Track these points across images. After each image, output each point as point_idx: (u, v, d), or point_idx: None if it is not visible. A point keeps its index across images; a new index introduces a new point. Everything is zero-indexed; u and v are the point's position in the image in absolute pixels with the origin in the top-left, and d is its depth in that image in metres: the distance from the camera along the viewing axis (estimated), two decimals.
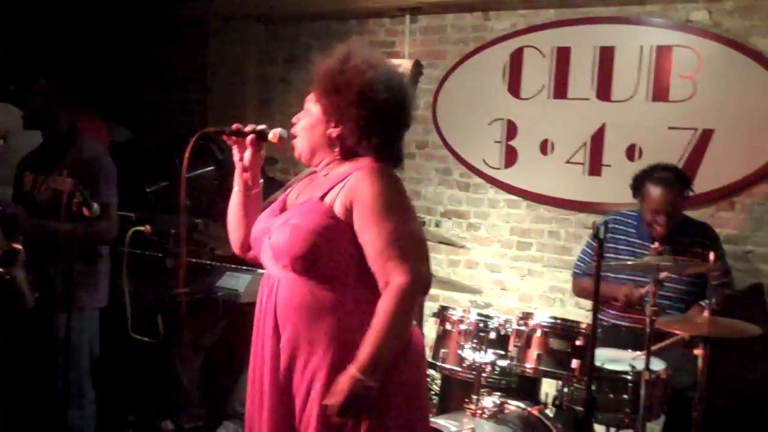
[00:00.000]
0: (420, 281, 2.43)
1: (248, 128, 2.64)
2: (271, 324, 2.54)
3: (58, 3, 6.86)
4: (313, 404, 2.47)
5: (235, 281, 4.60)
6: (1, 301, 4.03)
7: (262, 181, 2.77)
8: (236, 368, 4.79)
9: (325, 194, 2.49)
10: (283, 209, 2.64)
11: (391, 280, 2.39)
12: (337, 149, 2.56)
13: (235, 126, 2.65)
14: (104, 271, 4.31)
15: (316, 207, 2.47)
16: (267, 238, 2.55)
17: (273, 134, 2.62)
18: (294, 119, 2.65)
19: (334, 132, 2.54)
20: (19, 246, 3.86)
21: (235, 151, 2.69)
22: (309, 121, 2.59)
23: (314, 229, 2.42)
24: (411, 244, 2.44)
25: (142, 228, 4.49)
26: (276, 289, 2.53)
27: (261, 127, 2.65)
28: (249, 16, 6.62)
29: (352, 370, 2.36)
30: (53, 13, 6.85)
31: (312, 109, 2.59)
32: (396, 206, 2.45)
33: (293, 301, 2.49)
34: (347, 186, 2.45)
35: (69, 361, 3.88)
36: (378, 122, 2.49)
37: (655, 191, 4.27)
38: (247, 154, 2.66)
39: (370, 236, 2.41)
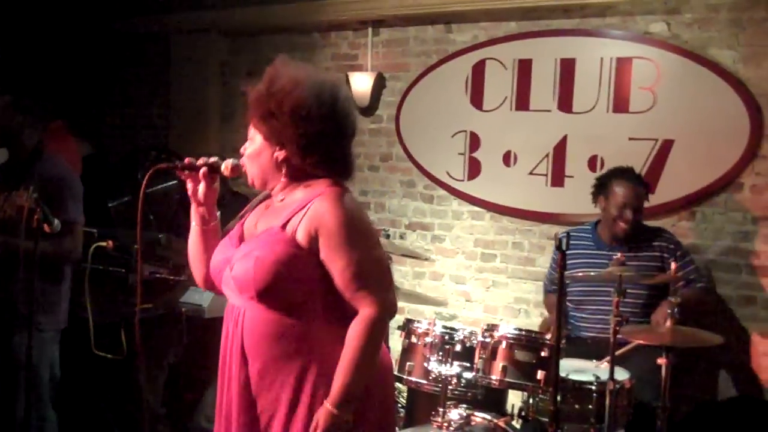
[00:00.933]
0: (387, 309, 2.47)
1: (200, 161, 2.60)
2: (238, 354, 2.51)
3: (19, 20, 6.78)
4: (279, 421, 2.47)
5: (199, 296, 4.58)
6: None
7: (219, 213, 2.74)
8: (201, 384, 4.76)
9: (286, 222, 2.47)
10: (241, 238, 2.61)
11: (360, 310, 2.43)
12: (285, 171, 2.53)
13: (187, 160, 2.61)
14: (66, 292, 4.23)
15: (277, 236, 2.45)
16: (228, 270, 2.53)
17: (225, 166, 2.59)
18: (241, 150, 2.62)
19: (279, 155, 2.51)
20: None
21: (189, 185, 2.64)
22: (254, 149, 2.56)
23: (277, 259, 2.41)
24: (376, 274, 2.47)
25: (104, 243, 4.44)
26: (242, 320, 2.51)
27: (213, 159, 2.61)
28: (210, 29, 6.60)
29: (327, 406, 2.39)
30: (14, 30, 6.78)
31: (254, 136, 2.57)
32: (360, 235, 2.45)
33: (259, 330, 2.47)
34: (309, 214, 2.44)
35: (28, 383, 3.81)
36: (317, 137, 2.46)
37: (620, 187, 4.41)
38: (201, 188, 2.63)
39: (338, 267, 2.42)
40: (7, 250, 3.84)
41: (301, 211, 2.46)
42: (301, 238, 2.43)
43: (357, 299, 2.44)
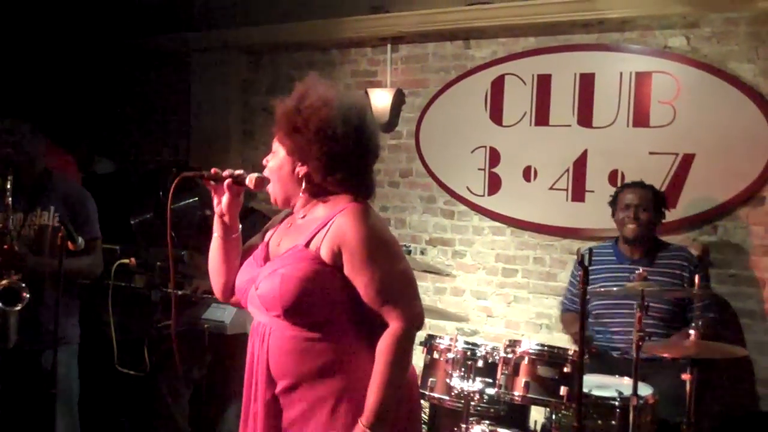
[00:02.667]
0: (414, 321, 2.50)
1: (226, 173, 2.61)
2: (264, 372, 2.53)
3: (40, 39, 6.86)
4: None
5: (221, 313, 4.59)
6: None
7: (240, 226, 2.76)
8: (223, 400, 4.77)
9: (310, 240, 2.49)
10: (266, 257, 2.63)
11: (389, 324, 2.46)
12: (306, 187, 2.56)
13: (213, 171, 2.62)
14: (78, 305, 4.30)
15: (302, 254, 2.47)
16: (254, 288, 2.55)
17: (250, 179, 2.60)
18: (264, 161, 2.65)
19: (300, 171, 2.54)
20: (24, 288, 3.82)
21: (213, 196, 2.66)
22: (276, 162, 2.59)
23: (303, 276, 2.43)
24: (401, 287, 2.50)
25: (126, 261, 4.48)
26: (268, 337, 2.53)
27: (238, 172, 2.61)
28: (231, 46, 6.64)
29: (361, 425, 2.41)
30: (35, 48, 6.85)
31: (278, 150, 2.60)
32: (383, 250, 2.48)
33: (286, 347, 2.49)
34: (332, 231, 2.46)
35: (60, 399, 3.86)
36: (340, 157, 2.49)
37: (627, 192, 4.52)
38: (225, 199, 2.63)
39: (362, 282, 2.45)
40: (34, 270, 3.86)
41: (324, 227, 2.48)
42: (325, 254, 2.45)
43: (384, 313, 2.47)
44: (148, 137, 7.31)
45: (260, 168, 2.63)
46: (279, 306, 2.45)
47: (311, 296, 2.44)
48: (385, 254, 2.48)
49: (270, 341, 2.52)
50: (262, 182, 2.60)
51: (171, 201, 2.70)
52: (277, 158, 2.59)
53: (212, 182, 2.63)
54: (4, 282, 3.81)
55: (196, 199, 6.17)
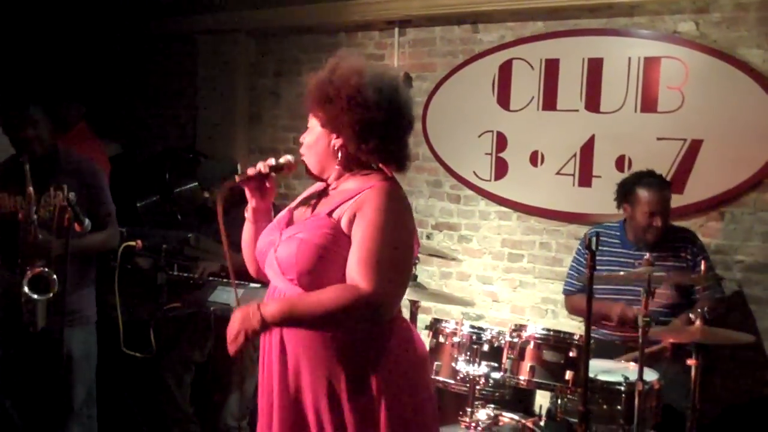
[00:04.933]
0: (375, 297, 2.39)
1: (264, 168, 2.65)
2: (277, 337, 2.56)
3: (47, 22, 6.86)
4: (325, 415, 2.50)
5: (227, 296, 4.58)
6: (10, 319, 4.01)
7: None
8: (227, 382, 4.78)
9: (333, 209, 2.51)
10: (289, 222, 2.66)
11: (357, 283, 2.40)
12: (341, 158, 2.58)
13: (250, 172, 2.66)
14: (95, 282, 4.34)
15: (323, 222, 2.50)
16: (273, 251, 2.57)
17: (287, 163, 2.66)
18: (300, 138, 2.68)
19: (336, 143, 2.57)
20: (53, 275, 3.83)
21: (250, 197, 2.72)
22: (312, 137, 2.63)
23: (320, 243, 2.45)
24: (384, 260, 2.41)
25: (133, 243, 4.48)
26: None
27: (275, 161, 2.66)
28: (238, 30, 6.63)
29: (255, 305, 2.46)
30: (41, 30, 6.85)
31: (314, 125, 2.62)
32: (392, 227, 2.45)
33: None
34: (355, 202, 2.48)
35: (79, 376, 3.89)
36: (373, 125, 2.50)
37: (649, 194, 4.37)
38: (264, 193, 2.72)
39: (357, 242, 2.44)
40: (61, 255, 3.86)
41: (351, 200, 2.50)
42: (345, 224, 2.48)
43: (353, 275, 2.41)
44: (155, 120, 7.31)
45: (291, 149, 2.66)
46: (295, 270, 2.47)
47: (326, 264, 2.46)
48: (391, 231, 2.45)
49: None
50: (296, 163, 2.67)
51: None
52: (312, 133, 2.63)
53: (256, 181, 2.69)
54: (35, 271, 3.82)
55: (196, 183, 6.20)
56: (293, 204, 2.75)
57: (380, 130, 2.52)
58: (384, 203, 2.45)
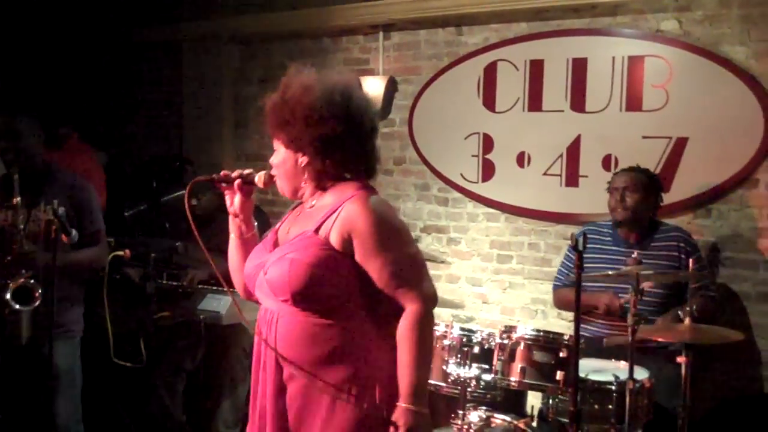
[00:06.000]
0: (429, 301, 2.53)
1: (235, 174, 2.68)
2: (273, 358, 2.55)
3: (32, 31, 6.84)
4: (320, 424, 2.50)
5: (216, 303, 4.59)
6: None
7: (256, 223, 2.81)
8: (218, 390, 4.77)
9: (319, 227, 2.52)
10: (275, 244, 2.66)
11: (405, 307, 2.49)
12: (309, 176, 2.59)
13: (223, 173, 2.69)
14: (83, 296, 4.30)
15: (311, 240, 2.50)
16: (263, 274, 2.57)
17: (258, 177, 2.66)
18: (270, 161, 2.68)
19: (302, 161, 2.57)
20: (37, 287, 3.81)
21: (227, 197, 2.73)
22: (279, 158, 2.63)
23: (312, 262, 2.46)
24: (414, 269, 2.53)
25: (121, 252, 4.46)
26: (275, 324, 2.55)
27: (247, 171, 2.68)
28: (222, 36, 6.62)
29: (402, 406, 2.44)
30: (28, 40, 6.83)
31: (278, 146, 2.63)
32: (393, 235, 2.51)
33: (295, 333, 2.51)
34: (341, 217, 2.49)
35: (62, 391, 3.88)
36: (332, 139, 2.51)
37: (620, 175, 4.52)
38: (237, 200, 2.70)
39: (375, 268, 2.48)
40: (46, 267, 3.82)
41: (333, 214, 2.51)
42: (335, 241, 2.48)
43: (399, 296, 2.50)
44: (141, 128, 7.30)
45: (261, 162, 2.66)
46: (288, 291, 2.47)
47: (320, 281, 2.47)
48: (395, 239, 2.51)
49: (278, 327, 2.54)
50: (271, 179, 2.67)
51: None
52: (278, 154, 2.64)
53: (223, 184, 2.70)
54: (19, 282, 3.81)
55: (183, 191, 6.17)
56: (277, 225, 2.76)
57: (341, 143, 2.53)
58: (373, 215, 2.47)
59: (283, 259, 2.50)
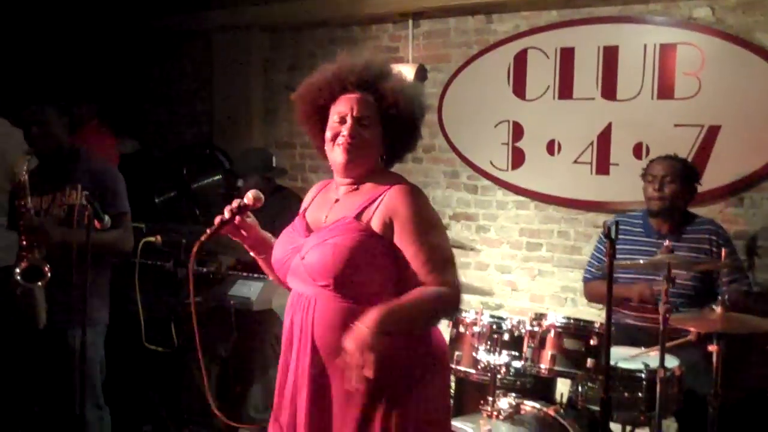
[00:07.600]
0: (456, 294, 2.57)
1: (228, 212, 2.68)
2: (308, 343, 2.57)
3: (61, 19, 6.89)
4: (353, 416, 2.53)
5: (247, 289, 4.61)
6: (13, 318, 4.04)
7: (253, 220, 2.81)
8: (249, 375, 4.81)
9: (359, 213, 2.57)
10: (308, 229, 2.69)
11: (436, 285, 2.52)
12: (375, 163, 2.69)
13: (217, 221, 2.68)
14: (108, 285, 4.32)
15: (352, 225, 2.55)
16: (299, 258, 2.59)
17: (247, 200, 2.69)
18: (345, 130, 2.63)
19: (382, 148, 2.70)
20: (45, 264, 3.85)
21: (230, 235, 2.76)
22: (371, 135, 2.65)
23: (353, 245, 2.50)
24: (446, 260, 2.59)
25: (152, 239, 4.51)
26: (312, 309, 2.56)
27: (236, 203, 2.69)
28: (252, 25, 6.64)
29: (359, 325, 2.36)
30: (56, 29, 6.89)
31: (369, 122, 2.64)
32: (432, 225, 2.60)
33: (333, 319, 2.52)
34: (384, 204, 2.56)
35: (85, 378, 3.89)
36: (412, 142, 2.77)
37: (656, 164, 4.43)
38: (240, 232, 2.75)
39: (413, 251, 2.53)
40: (62, 247, 3.85)
41: (375, 202, 2.58)
42: (376, 225, 2.54)
43: (430, 281, 2.53)
44: (172, 116, 7.34)
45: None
46: (330, 275, 2.50)
47: (360, 266, 2.51)
48: (433, 229, 2.59)
49: (315, 313, 2.56)
50: (260, 197, 2.71)
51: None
52: (372, 131, 2.65)
53: (225, 227, 2.70)
54: (25, 263, 3.85)
55: (219, 177, 6.23)
56: (303, 209, 2.80)
57: (412, 146, 2.77)
58: (416, 205, 2.57)
59: (324, 244, 2.53)
